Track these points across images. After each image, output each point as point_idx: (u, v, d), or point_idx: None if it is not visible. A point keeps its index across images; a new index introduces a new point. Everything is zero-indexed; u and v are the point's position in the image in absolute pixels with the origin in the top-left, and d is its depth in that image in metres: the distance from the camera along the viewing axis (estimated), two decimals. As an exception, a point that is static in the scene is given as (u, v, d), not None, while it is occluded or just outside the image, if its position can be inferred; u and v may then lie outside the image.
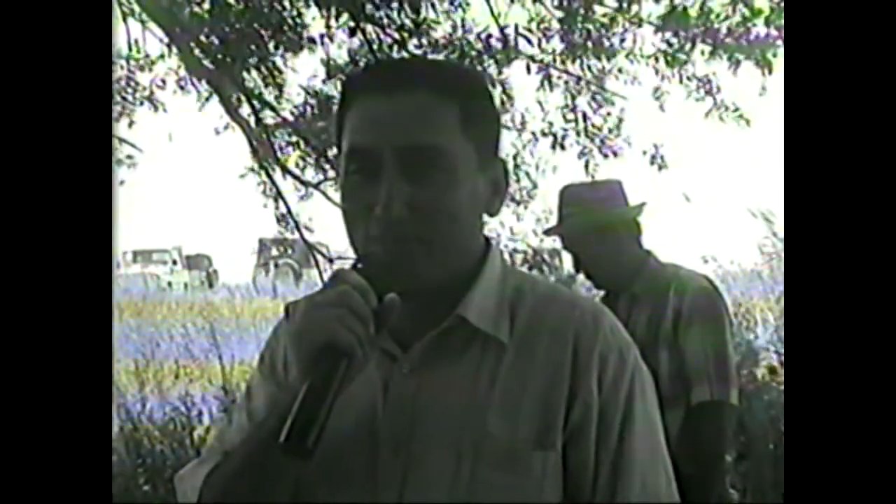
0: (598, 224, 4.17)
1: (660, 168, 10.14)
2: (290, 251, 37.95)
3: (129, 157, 14.02)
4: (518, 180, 10.52)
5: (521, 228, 10.41)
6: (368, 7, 8.56)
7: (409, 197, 1.70)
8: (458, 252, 1.77)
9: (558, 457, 1.71)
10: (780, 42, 8.19)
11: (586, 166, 10.20)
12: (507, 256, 10.11)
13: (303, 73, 9.76)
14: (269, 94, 9.64)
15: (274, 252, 38.62)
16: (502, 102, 10.18)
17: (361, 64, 8.80)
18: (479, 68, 8.97)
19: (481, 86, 1.85)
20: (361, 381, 1.76)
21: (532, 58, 9.38)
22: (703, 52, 8.91)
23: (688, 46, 8.94)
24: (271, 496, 1.76)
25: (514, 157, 10.62)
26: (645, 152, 10.14)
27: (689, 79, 9.46)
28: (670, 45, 9.07)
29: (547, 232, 4.27)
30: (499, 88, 9.80)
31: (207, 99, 10.25)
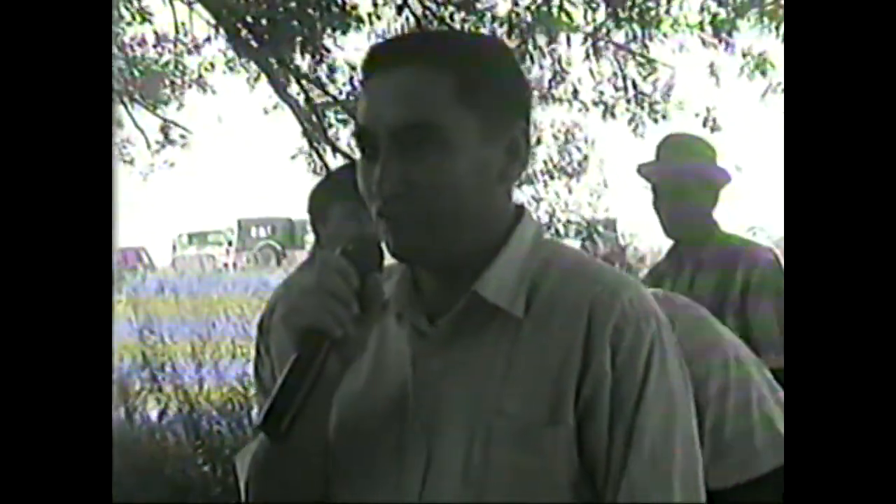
0: (697, 175, 4.22)
1: (712, 130, 10.11)
2: (271, 231, 37.60)
3: (182, 136, 14.09)
4: (569, 154, 10.51)
5: (575, 200, 10.41)
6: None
7: (403, 174, 1.69)
8: (470, 224, 1.75)
9: (570, 432, 1.69)
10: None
11: (635, 131, 10.19)
12: (560, 227, 10.10)
13: (351, 51, 9.76)
14: (318, 73, 9.64)
15: (254, 233, 38.27)
16: (554, 74, 10.17)
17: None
18: (528, 40, 8.95)
19: (487, 53, 1.82)
20: (395, 355, 1.80)
21: (577, 28, 9.35)
22: (749, 19, 8.86)
23: (733, 15, 8.90)
24: (299, 471, 1.80)
25: (566, 133, 10.61)
26: (697, 114, 10.12)
27: (743, 55, 9.44)
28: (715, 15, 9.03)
29: (639, 169, 4.27)
30: (549, 60, 9.78)
31: (256, 79, 10.28)
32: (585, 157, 10.62)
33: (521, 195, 9.95)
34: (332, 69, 9.66)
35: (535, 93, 10.17)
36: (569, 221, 10.21)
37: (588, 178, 10.45)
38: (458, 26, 8.64)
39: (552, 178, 10.66)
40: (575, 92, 10.46)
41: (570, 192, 10.41)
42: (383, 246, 1.76)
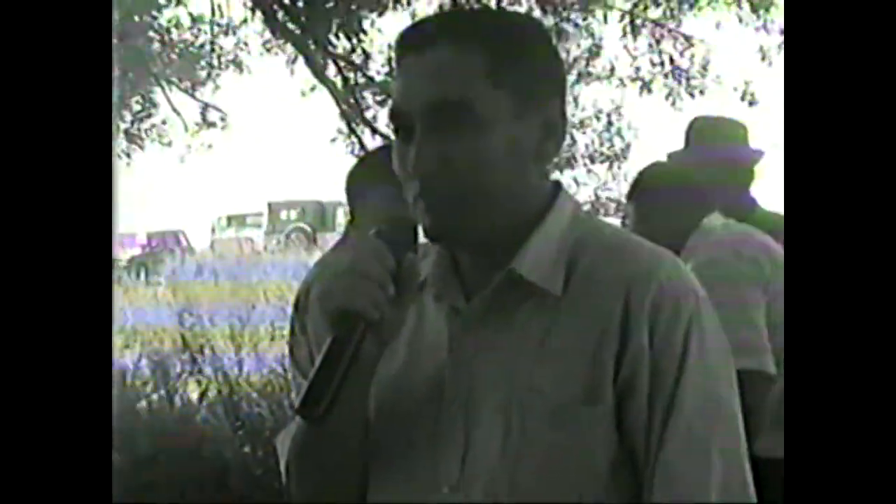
0: (727, 158, 4.21)
1: (750, 104, 10.09)
2: (302, 214, 37.60)
3: (222, 119, 14.16)
4: (611, 139, 10.55)
5: (618, 184, 10.44)
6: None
7: (438, 153, 1.68)
8: (506, 202, 1.73)
9: (609, 411, 1.67)
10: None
11: (673, 105, 10.20)
12: (600, 208, 10.11)
13: (389, 32, 9.76)
14: (356, 55, 9.65)
15: (284, 216, 38.28)
16: (590, 51, 10.17)
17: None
18: (566, 18, 8.93)
19: (520, 31, 1.80)
20: (433, 335, 1.78)
21: (613, 6, 9.34)
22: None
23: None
24: (338, 453, 1.79)
25: (609, 115, 10.62)
26: (736, 89, 10.10)
27: (780, 32, 9.42)
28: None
29: (670, 157, 4.26)
30: (587, 38, 9.77)
31: (294, 61, 10.30)
32: (628, 145, 10.64)
33: (562, 179, 9.99)
34: (368, 51, 9.67)
35: (574, 70, 10.18)
36: (609, 199, 10.23)
37: (629, 165, 10.47)
38: (493, 4, 8.61)
39: (593, 161, 10.68)
40: (612, 69, 10.46)
41: (613, 177, 10.43)
42: (418, 227, 1.74)
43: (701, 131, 4.33)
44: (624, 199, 4.24)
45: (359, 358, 1.65)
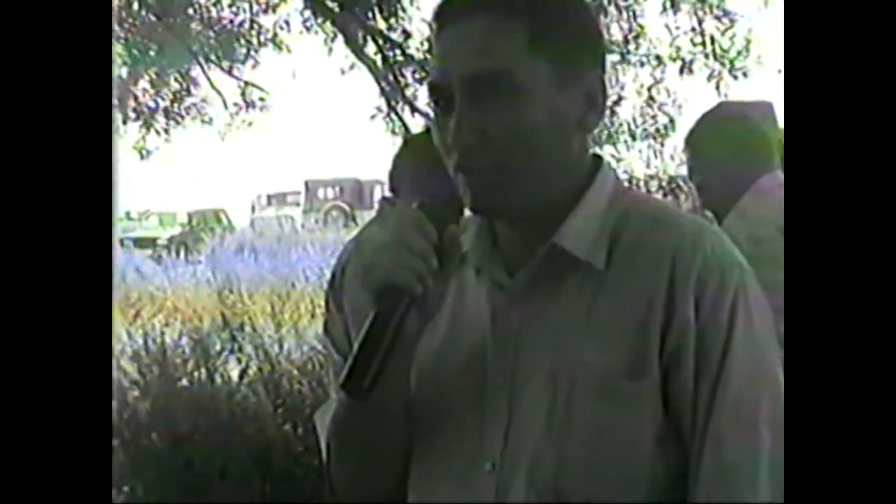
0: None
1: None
2: (339, 192, 37.55)
3: (262, 98, 14.14)
4: (654, 116, 10.48)
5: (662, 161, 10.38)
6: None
7: (479, 124, 1.67)
8: (549, 174, 1.73)
9: (655, 385, 1.67)
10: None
11: (717, 88, 10.12)
12: (642, 183, 10.07)
13: (427, 9, 9.74)
14: (395, 33, 9.64)
15: (321, 195, 38.23)
16: (630, 30, 10.11)
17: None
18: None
19: (558, 1, 1.78)
20: (474, 309, 1.78)
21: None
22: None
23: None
24: (381, 428, 1.79)
25: (649, 90, 10.56)
26: (780, 71, 10.01)
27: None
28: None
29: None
30: (626, 16, 9.72)
31: (333, 39, 10.29)
32: (672, 120, 10.56)
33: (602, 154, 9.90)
34: (408, 29, 9.65)
35: (615, 50, 10.13)
36: (650, 177, 10.16)
37: (672, 141, 10.40)
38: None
39: (634, 139, 10.63)
40: (655, 56, 10.41)
41: (655, 154, 10.37)
42: (461, 200, 1.74)
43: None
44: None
45: (402, 332, 1.65)
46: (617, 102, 10.42)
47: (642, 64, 10.46)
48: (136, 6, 10.71)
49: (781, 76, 9.96)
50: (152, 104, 13.18)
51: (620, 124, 10.48)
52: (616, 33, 10.15)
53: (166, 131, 13.80)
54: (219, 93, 13.88)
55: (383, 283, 1.65)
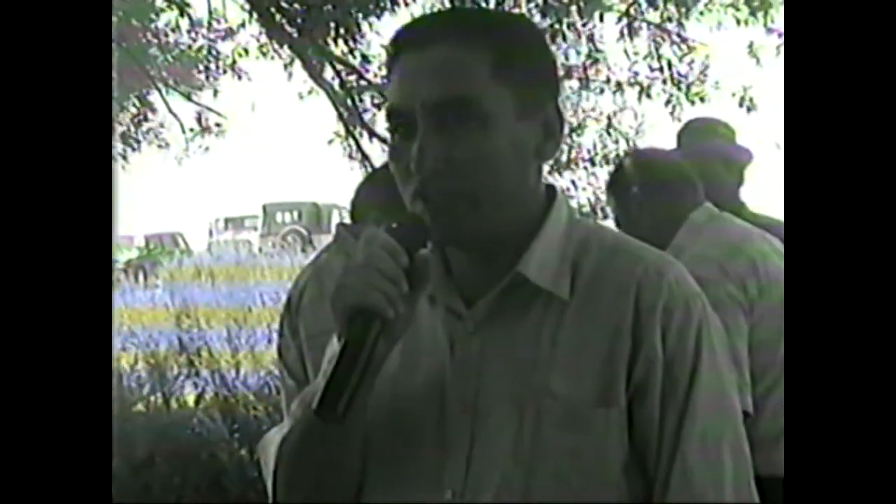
0: (719, 155, 4.28)
1: (749, 110, 10.09)
2: (297, 216, 37.32)
3: (218, 124, 14.15)
4: (616, 141, 10.52)
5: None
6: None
7: (442, 151, 1.67)
8: (510, 203, 1.73)
9: (622, 414, 1.68)
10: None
11: (672, 113, 10.19)
12: (600, 213, 10.11)
13: (386, 34, 9.76)
14: (353, 58, 9.65)
15: (279, 218, 38.02)
16: (589, 55, 10.16)
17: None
18: (563, 20, 8.93)
19: (520, 31, 1.81)
20: (430, 337, 1.78)
21: (611, 7, 9.35)
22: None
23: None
24: (337, 458, 1.78)
25: (609, 118, 10.61)
26: (734, 94, 10.10)
27: (779, 35, 9.42)
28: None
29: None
30: (584, 41, 9.77)
31: (290, 64, 10.30)
32: (631, 146, 10.62)
33: (561, 181, 9.99)
34: (366, 54, 9.65)
35: (574, 76, 10.18)
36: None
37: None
38: (492, 6, 8.61)
39: (594, 164, 10.67)
40: (612, 81, 10.47)
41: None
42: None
43: (693, 131, 4.41)
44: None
45: (374, 355, 1.64)
46: (576, 129, 10.47)
47: (601, 91, 10.51)
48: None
49: (736, 100, 10.05)
50: (109, 128, 13.14)
51: (579, 151, 10.54)
52: (574, 58, 10.20)
53: (123, 157, 13.78)
54: (176, 117, 13.88)
55: (354, 306, 1.64)
